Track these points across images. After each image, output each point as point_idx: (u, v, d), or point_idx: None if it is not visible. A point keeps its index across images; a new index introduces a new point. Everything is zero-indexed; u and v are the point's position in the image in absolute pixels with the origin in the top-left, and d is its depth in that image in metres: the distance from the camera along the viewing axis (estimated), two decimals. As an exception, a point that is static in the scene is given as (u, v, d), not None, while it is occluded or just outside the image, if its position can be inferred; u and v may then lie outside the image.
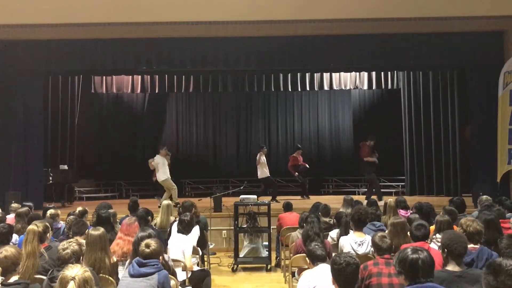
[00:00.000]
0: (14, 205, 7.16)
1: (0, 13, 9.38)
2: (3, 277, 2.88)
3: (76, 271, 2.62)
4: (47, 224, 4.55)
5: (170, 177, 10.24)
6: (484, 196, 6.75)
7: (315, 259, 3.74)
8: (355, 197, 8.49)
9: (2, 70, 9.75)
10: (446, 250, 3.42)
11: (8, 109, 9.84)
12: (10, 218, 6.37)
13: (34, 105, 10.11)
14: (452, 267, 3.37)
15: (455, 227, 4.71)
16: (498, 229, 4.59)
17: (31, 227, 4.12)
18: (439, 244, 3.98)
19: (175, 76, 12.55)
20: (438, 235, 4.53)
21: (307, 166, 12.06)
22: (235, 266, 7.32)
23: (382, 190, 12.31)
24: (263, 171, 11.18)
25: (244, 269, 7.34)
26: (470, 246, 3.87)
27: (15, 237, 5.22)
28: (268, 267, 7.25)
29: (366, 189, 10.61)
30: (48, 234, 4.50)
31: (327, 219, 6.35)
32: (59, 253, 3.61)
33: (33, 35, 9.52)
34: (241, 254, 7.56)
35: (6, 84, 9.82)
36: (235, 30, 9.40)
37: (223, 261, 7.73)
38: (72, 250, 3.59)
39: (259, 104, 15.16)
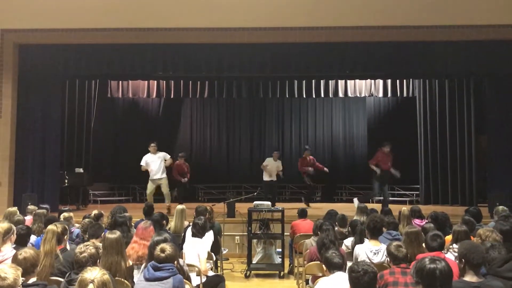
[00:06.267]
0: (31, 207, 7.26)
1: (20, 18, 9.58)
2: (23, 278, 2.91)
3: (95, 274, 2.65)
4: (66, 226, 4.60)
5: (151, 182, 10.09)
6: (501, 207, 6.67)
7: (331, 267, 3.72)
8: (369, 206, 8.42)
9: (21, 74, 9.93)
10: (463, 260, 3.38)
11: (26, 112, 9.97)
12: (27, 219, 6.44)
13: (52, 108, 10.24)
14: (469, 278, 3.33)
15: (472, 237, 4.67)
16: (515, 239, 4.52)
17: (50, 227, 4.17)
18: (456, 254, 3.94)
19: (190, 82, 12.66)
20: (455, 245, 4.48)
21: (310, 169, 11.45)
22: (248, 272, 7.31)
23: (396, 198, 12.20)
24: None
25: (257, 276, 7.32)
26: (488, 256, 3.81)
27: (32, 238, 5.29)
28: (281, 274, 7.22)
29: (381, 197, 10.35)
30: (65, 237, 4.55)
31: (344, 230, 6.15)
32: (76, 256, 3.62)
33: (52, 40, 9.69)
34: (254, 260, 7.54)
35: (25, 87, 9.98)
36: (251, 36, 9.45)
37: (236, 267, 7.71)
38: (89, 254, 3.61)
39: (273, 110, 15.15)
